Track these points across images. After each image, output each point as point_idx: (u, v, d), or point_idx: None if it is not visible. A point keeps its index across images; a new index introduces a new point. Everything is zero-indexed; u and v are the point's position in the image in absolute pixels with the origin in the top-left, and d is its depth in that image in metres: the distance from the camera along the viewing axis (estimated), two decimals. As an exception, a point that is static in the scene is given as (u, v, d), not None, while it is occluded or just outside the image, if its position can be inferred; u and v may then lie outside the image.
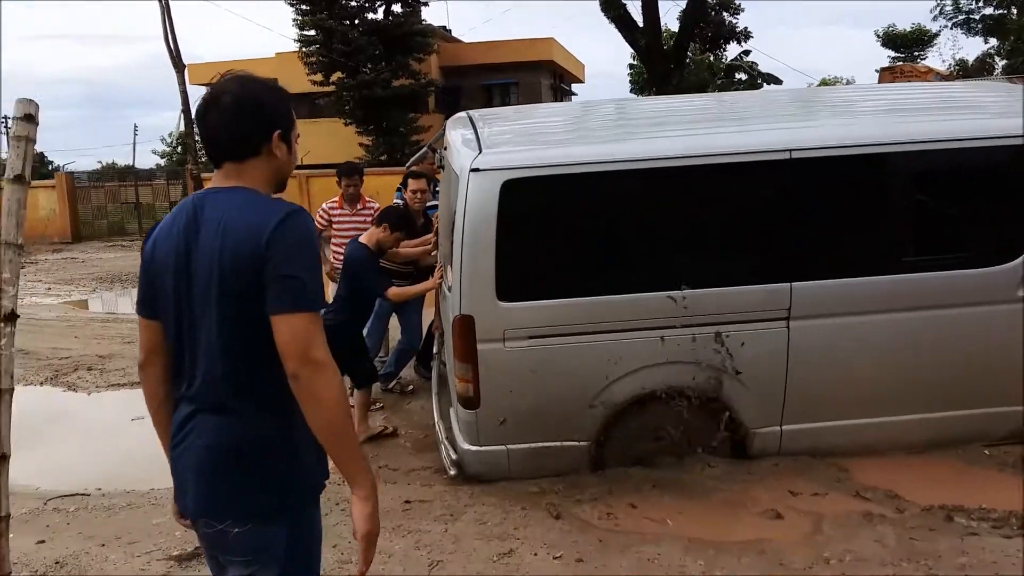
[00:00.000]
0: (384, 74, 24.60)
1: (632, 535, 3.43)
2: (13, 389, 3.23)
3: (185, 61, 23.91)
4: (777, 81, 34.75)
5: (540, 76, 32.41)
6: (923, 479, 3.74)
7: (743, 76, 33.38)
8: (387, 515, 3.75)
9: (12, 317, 3.20)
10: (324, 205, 6.32)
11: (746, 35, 30.62)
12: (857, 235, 4.02)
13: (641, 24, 18.57)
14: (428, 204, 5.95)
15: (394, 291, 4.92)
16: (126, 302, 12.01)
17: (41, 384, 6.84)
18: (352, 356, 4.79)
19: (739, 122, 4.56)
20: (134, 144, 59.55)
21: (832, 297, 3.89)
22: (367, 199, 6.32)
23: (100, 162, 47.33)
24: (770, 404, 3.95)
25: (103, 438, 5.61)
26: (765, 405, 3.95)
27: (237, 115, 1.82)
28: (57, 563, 3.54)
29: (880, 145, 3.91)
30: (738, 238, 4.00)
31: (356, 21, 25.39)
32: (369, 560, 1.79)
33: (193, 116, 1.68)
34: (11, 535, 3.24)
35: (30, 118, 3.07)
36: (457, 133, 4.37)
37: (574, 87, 38.75)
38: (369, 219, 5.76)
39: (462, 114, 4.73)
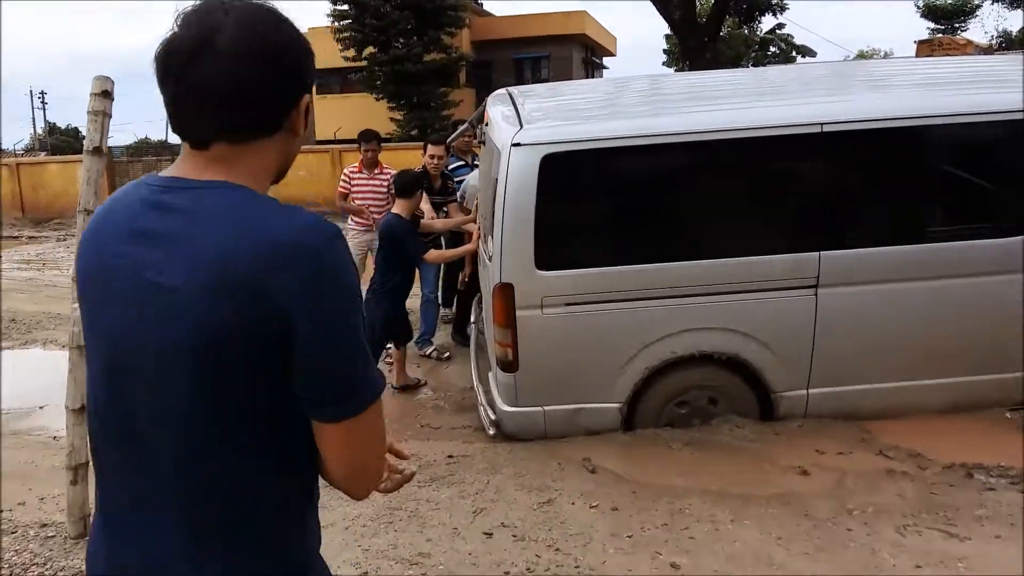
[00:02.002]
0: (416, 49, 24.67)
1: (663, 488, 3.59)
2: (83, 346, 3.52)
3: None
4: (812, 53, 34.23)
5: (572, 49, 32.23)
6: (945, 440, 3.86)
7: (777, 49, 32.98)
8: (431, 467, 3.97)
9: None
10: (346, 170, 6.71)
11: (781, 7, 30.18)
12: (882, 206, 4.14)
13: (675, -3, 18.40)
14: (449, 167, 6.31)
15: (433, 254, 5.20)
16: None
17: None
18: (393, 319, 5.01)
19: (771, 96, 4.67)
20: (167, 120, 60.21)
21: (858, 266, 4.01)
22: (384, 165, 6.66)
23: (135, 135, 48.31)
24: (797, 368, 4.11)
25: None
26: (792, 369, 4.11)
27: (250, 66, 1.10)
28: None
29: (903, 119, 3.99)
30: (769, 209, 4.14)
31: (389, -5, 25.43)
32: None
33: (160, 70, 1.13)
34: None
35: (107, 94, 3.29)
36: (498, 110, 4.53)
37: (606, 60, 38.48)
38: (385, 183, 6.25)
39: (502, 91, 4.88)
